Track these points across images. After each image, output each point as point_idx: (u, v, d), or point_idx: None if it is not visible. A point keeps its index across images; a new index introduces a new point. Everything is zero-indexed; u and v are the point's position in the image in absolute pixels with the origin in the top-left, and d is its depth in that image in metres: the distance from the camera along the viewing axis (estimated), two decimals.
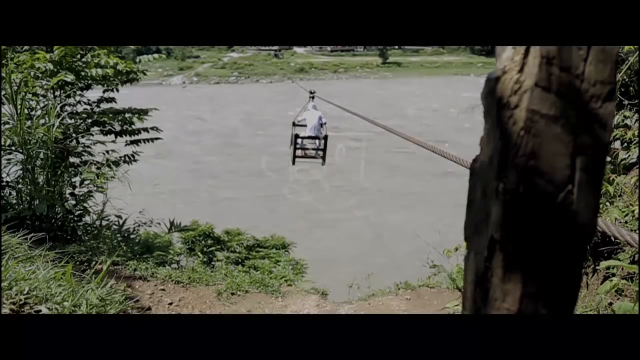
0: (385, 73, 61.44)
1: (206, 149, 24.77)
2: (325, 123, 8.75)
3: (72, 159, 5.66)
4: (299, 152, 8.63)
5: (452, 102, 30.81)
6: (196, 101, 38.96)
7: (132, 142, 6.68)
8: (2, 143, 4.69)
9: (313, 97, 9.01)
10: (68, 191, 5.45)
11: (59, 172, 5.08)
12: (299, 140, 8.53)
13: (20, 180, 5.04)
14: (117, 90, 6.63)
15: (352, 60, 65.02)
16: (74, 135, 5.75)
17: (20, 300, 2.42)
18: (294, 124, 8.92)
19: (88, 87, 6.35)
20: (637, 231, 2.88)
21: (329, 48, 67.20)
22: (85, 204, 5.49)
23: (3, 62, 5.00)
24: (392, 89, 45.31)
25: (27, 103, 5.11)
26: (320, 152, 8.59)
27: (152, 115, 6.84)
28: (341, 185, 17.90)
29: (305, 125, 8.72)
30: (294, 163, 8.80)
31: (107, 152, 6.31)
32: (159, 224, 6.73)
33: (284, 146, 12.50)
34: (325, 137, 8.46)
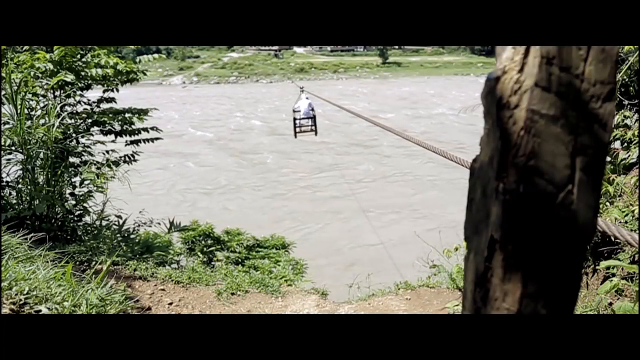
0: (385, 73, 61.48)
1: (253, 147, 25.19)
2: (313, 109, 12.62)
3: (72, 159, 5.65)
4: (297, 130, 12.64)
5: (469, 104, 30.34)
6: (212, 100, 38.92)
7: (132, 142, 6.68)
8: (2, 143, 4.69)
9: (302, 91, 13.32)
10: (68, 191, 5.44)
11: (59, 172, 5.07)
12: (297, 122, 12.58)
13: (20, 180, 5.03)
14: (117, 90, 6.62)
15: (352, 60, 65.04)
16: (74, 135, 5.75)
17: (20, 300, 2.42)
18: (293, 111, 12.89)
19: (88, 87, 6.34)
20: (637, 231, 2.88)
21: (329, 48, 67.26)
22: (85, 204, 5.48)
23: (3, 62, 5.00)
24: (402, 90, 44.97)
25: (27, 103, 5.10)
26: (314, 127, 12.59)
27: (153, 116, 6.83)
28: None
29: (300, 111, 12.68)
30: (296, 137, 12.83)
31: (107, 152, 6.31)
32: (159, 224, 6.73)
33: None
34: (314, 117, 12.53)
